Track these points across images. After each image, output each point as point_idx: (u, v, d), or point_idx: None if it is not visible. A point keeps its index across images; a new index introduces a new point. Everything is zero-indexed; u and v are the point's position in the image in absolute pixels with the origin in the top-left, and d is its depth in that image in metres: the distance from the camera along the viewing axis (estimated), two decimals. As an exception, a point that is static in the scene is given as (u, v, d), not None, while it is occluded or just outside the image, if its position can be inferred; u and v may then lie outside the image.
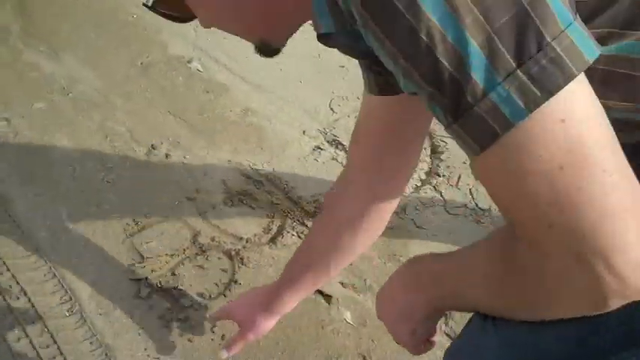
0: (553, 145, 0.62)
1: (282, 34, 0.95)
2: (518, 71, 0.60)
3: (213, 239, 2.05)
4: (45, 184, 2.16)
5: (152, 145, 2.34)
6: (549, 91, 0.60)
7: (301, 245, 1.50)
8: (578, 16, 0.64)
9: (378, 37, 0.65)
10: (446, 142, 2.46)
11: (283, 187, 2.25)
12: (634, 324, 0.76)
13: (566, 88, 0.61)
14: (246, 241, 2.06)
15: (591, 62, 0.62)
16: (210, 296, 1.90)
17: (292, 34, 0.96)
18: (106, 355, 1.74)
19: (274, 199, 2.21)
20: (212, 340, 1.80)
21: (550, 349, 0.82)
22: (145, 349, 1.77)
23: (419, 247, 2.07)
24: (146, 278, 1.91)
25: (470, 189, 2.31)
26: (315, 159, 2.38)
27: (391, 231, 2.11)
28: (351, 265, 1.84)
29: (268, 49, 0.95)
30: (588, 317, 0.70)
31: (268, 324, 1.59)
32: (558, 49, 0.60)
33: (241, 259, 2.00)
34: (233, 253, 2.01)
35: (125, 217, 2.09)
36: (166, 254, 1.99)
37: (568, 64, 0.61)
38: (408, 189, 2.27)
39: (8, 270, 1.89)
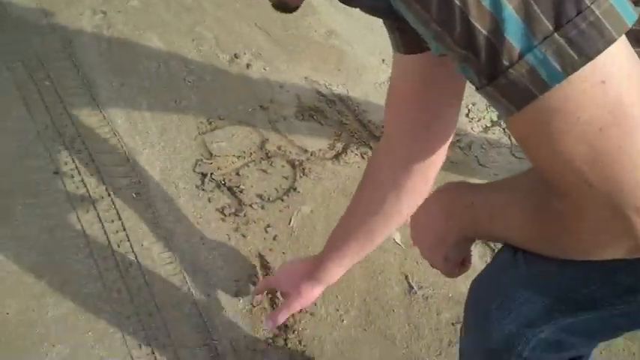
0: (592, 107, 0.61)
1: None
2: (556, 34, 0.59)
3: (279, 148, 2.11)
4: (130, 76, 2.26)
5: (235, 54, 2.40)
6: (588, 56, 0.60)
7: (345, 214, 1.44)
8: None
9: (407, 2, 0.65)
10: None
11: (354, 110, 2.29)
12: None
13: (606, 51, 0.60)
14: (311, 154, 2.11)
15: (630, 26, 0.61)
16: (269, 199, 1.97)
17: None
18: (165, 237, 1.84)
19: (344, 119, 2.25)
20: (264, 239, 1.87)
21: (577, 285, 0.84)
22: (201, 238, 1.86)
23: (478, 184, 2.08)
24: (211, 174, 1.99)
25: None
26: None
27: (454, 166, 2.13)
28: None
29: (285, 6, 0.93)
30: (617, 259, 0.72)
31: (314, 293, 1.53)
32: (597, 13, 0.59)
33: (303, 169, 2.06)
34: (297, 163, 2.07)
35: (200, 116, 2.17)
36: (233, 155, 2.06)
37: (608, 28, 0.59)
38: (477, 128, 2.28)
39: (86, 149, 2.01)
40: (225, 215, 1.90)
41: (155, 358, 1.60)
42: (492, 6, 0.60)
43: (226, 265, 1.80)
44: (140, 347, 1.62)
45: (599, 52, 0.59)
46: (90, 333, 1.62)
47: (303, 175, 2.04)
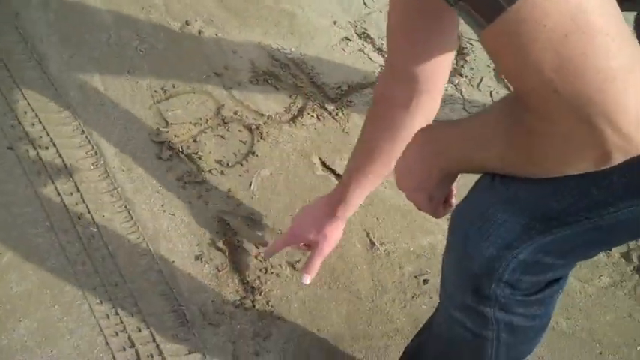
0: (556, 14, 0.64)
1: None
2: None
3: (235, 113, 2.10)
4: (80, 46, 2.21)
5: (186, 20, 2.37)
6: None
7: (357, 149, 1.44)
8: None
9: None
10: (472, 45, 2.45)
11: (308, 72, 2.28)
12: (633, 177, 0.81)
13: None
14: (267, 118, 2.10)
15: None
16: (228, 164, 1.96)
17: None
18: (126, 207, 1.82)
19: (298, 82, 2.24)
20: (226, 204, 1.87)
21: (551, 202, 0.87)
22: (162, 206, 1.85)
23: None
24: (169, 142, 1.98)
25: (491, 91, 2.32)
26: (343, 49, 2.40)
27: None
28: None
29: None
30: (589, 172, 0.75)
31: (338, 232, 1.53)
32: None
33: (260, 133, 2.05)
34: (253, 127, 2.06)
35: (154, 85, 2.14)
36: (190, 122, 2.05)
37: None
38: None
39: (40, 122, 1.97)
40: (185, 183, 1.90)
41: (124, 327, 1.60)
42: None
43: (189, 231, 1.80)
44: (108, 317, 1.61)
45: None
46: (56, 306, 1.61)
47: (261, 139, 2.04)
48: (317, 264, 1.52)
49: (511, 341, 1.09)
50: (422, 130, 1.00)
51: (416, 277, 1.77)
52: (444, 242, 1.06)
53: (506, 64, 0.73)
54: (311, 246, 1.56)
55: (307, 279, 1.52)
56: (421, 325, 1.47)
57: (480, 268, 0.96)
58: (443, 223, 1.83)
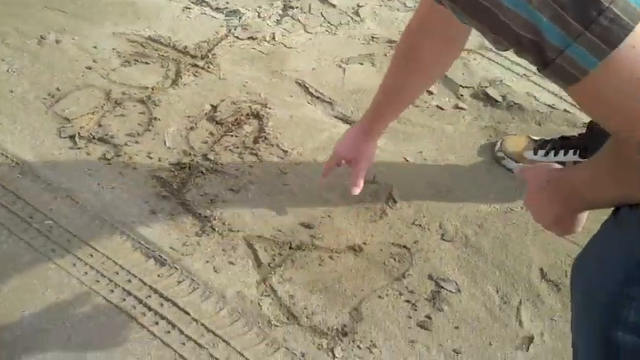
0: (631, 70, 0.70)
1: None
2: (586, 32, 0.69)
3: (124, 93, 2.20)
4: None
5: (41, 35, 2.41)
6: (613, 44, 0.69)
7: (384, 82, 1.54)
8: None
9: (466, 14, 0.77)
10: None
11: (167, 43, 2.41)
12: None
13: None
14: (152, 89, 2.22)
15: None
16: (138, 133, 2.07)
17: None
18: (67, 195, 1.89)
19: (163, 53, 2.37)
20: (151, 163, 1.99)
21: None
22: (99, 184, 1.93)
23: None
24: (78, 133, 2.05)
25: (321, 12, 2.59)
26: (187, 16, 2.55)
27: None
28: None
29: None
30: None
31: (372, 150, 1.70)
32: (616, 10, 0.68)
33: (153, 101, 2.17)
34: (145, 98, 2.18)
35: (40, 94, 2.18)
36: (88, 113, 2.12)
37: (625, 20, 0.68)
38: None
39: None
40: (109, 159, 1.99)
41: (115, 284, 1.69)
42: (531, 18, 0.72)
43: (132, 195, 1.91)
44: (98, 282, 1.70)
45: (621, 40, 0.69)
46: (49, 290, 1.68)
47: (155, 106, 2.16)
48: (360, 176, 1.70)
49: None
50: (550, 177, 1.03)
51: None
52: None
53: (594, 115, 0.80)
54: (352, 163, 1.71)
55: (356, 191, 1.70)
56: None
57: (607, 308, 0.94)
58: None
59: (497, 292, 1.74)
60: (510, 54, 1.28)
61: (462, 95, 2.29)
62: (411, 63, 1.45)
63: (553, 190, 1.00)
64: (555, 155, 1.98)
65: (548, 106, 2.25)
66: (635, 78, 0.71)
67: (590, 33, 0.69)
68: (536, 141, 2.03)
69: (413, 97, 1.63)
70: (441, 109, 2.24)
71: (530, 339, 1.65)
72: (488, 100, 2.27)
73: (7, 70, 2.26)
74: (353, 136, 1.69)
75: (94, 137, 2.04)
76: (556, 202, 0.99)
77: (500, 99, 2.25)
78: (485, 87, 2.30)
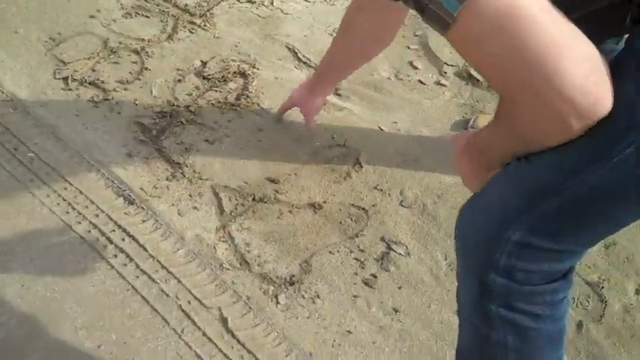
0: (490, 18, 0.74)
1: None
2: None
3: (120, 43, 2.27)
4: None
5: (51, -17, 2.49)
6: None
7: (330, 51, 1.74)
8: None
9: None
10: None
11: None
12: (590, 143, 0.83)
13: None
14: (148, 41, 2.29)
15: None
16: (127, 81, 2.13)
17: None
18: (52, 133, 1.97)
19: (164, 8, 2.43)
20: (135, 109, 2.05)
21: (534, 179, 0.91)
22: (84, 124, 2.00)
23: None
24: (72, 76, 2.12)
25: None
26: (193, -24, 2.61)
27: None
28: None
29: None
30: (561, 146, 0.82)
31: (319, 103, 1.93)
32: None
33: (147, 53, 2.23)
34: (139, 49, 2.24)
35: (42, 37, 2.26)
36: (84, 58, 2.20)
37: None
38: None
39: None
40: (97, 102, 2.06)
41: (83, 216, 1.76)
42: None
43: (113, 138, 1.97)
44: (67, 213, 1.77)
45: None
46: (21, 214, 1.75)
47: (148, 57, 2.22)
48: (309, 120, 1.97)
49: (519, 347, 1.04)
50: (469, 140, 1.04)
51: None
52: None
53: (469, 59, 0.83)
54: (301, 110, 1.96)
55: (312, 127, 2.00)
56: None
57: (483, 251, 0.98)
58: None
59: (446, 259, 1.77)
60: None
61: (445, 72, 2.30)
62: (347, 35, 1.61)
63: (470, 151, 1.02)
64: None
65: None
66: (496, 24, 0.73)
67: None
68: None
69: (352, 64, 1.78)
70: (423, 83, 2.26)
71: (470, 306, 1.68)
72: (470, 79, 2.28)
73: (16, 12, 2.33)
74: (304, 87, 1.90)
75: (85, 80, 2.11)
76: (475, 162, 1.01)
77: (482, 79, 2.27)
78: (469, 66, 2.31)
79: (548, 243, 0.92)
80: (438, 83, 2.26)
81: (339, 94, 2.17)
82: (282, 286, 1.67)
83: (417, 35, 2.46)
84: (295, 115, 2.05)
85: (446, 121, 2.14)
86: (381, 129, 2.09)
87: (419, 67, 2.31)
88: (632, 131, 0.79)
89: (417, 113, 2.15)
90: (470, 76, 2.27)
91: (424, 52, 2.39)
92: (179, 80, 2.15)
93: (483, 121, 2.06)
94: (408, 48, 2.40)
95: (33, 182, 1.82)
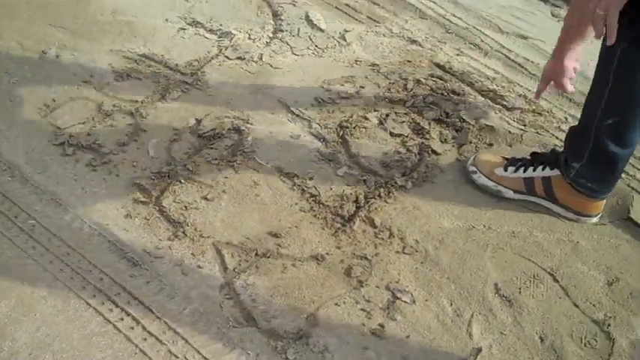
0: None
1: None
2: None
3: (114, 105, 2.29)
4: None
5: (42, 50, 2.51)
6: None
7: (564, 30, 1.95)
8: None
9: None
10: (282, 7, 2.80)
11: (160, 60, 2.51)
12: None
13: None
14: (142, 102, 2.32)
15: None
16: (124, 143, 2.16)
17: None
18: (52, 198, 1.98)
19: (155, 69, 2.47)
20: (134, 171, 2.07)
21: None
22: (82, 189, 2.01)
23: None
24: (68, 141, 2.14)
25: (309, 35, 2.68)
26: (182, 37, 2.65)
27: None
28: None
29: None
30: None
31: (569, 66, 2.03)
32: None
33: (141, 114, 2.26)
34: (133, 111, 2.27)
35: (37, 104, 2.28)
36: (79, 123, 2.21)
37: None
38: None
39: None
40: (95, 166, 2.07)
41: (87, 281, 1.76)
42: None
43: (112, 200, 1.98)
44: (72, 278, 1.76)
45: None
46: (25, 282, 1.75)
47: (143, 118, 2.25)
48: (566, 86, 2.07)
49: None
50: None
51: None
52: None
53: None
54: (555, 82, 2.09)
55: (539, 96, 2.21)
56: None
57: None
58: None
59: (451, 304, 1.78)
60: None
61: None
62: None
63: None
64: (524, 172, 2.04)
65: (520, 128, 2.31)
66: None
67: None
68: (507, 159, 2.09)
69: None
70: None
71: (479, 350, 1.68)
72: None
73: (9, 82, 2.36)
74: (550, 60, 2.05)
75: (82, 145, 2.12)
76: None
77: (473, 122, 2.31)
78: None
79: None
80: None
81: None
82: (291, 341, 1.66)
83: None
84: (293, 167, 2.07)
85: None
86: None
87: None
88: None
89: (412, 160, 2.18)
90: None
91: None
92: (175, 139, 2.17)
93: (484, 158, 2.12)
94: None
95: (35, 249, 1.83)
